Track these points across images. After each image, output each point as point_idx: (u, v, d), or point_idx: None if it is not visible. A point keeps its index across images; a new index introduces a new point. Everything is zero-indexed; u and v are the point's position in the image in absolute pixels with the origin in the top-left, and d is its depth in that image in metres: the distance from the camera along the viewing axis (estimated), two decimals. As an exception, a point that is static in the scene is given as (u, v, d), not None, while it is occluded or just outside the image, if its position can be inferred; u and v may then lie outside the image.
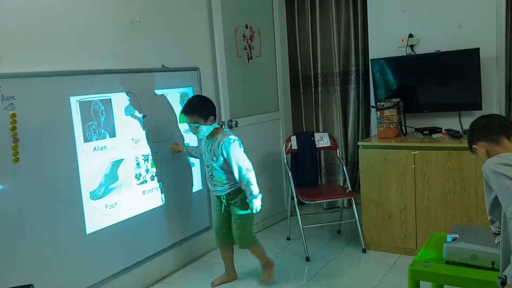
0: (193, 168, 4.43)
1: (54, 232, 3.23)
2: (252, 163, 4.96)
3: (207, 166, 3.86)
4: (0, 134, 2.91)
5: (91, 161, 3.46)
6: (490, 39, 4.43)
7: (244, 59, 5.12)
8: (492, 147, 2.29)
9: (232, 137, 3.78)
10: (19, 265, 3.04)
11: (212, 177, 3.85)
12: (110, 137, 3.60)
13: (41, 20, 3.22)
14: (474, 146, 2.35)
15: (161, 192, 4.10)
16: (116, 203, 3.66)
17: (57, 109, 3.24)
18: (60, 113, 3.26)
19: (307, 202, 4.76)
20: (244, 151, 3.84)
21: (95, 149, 3.48)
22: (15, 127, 2.95)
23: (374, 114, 4.95)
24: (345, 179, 5.07)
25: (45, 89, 3.16)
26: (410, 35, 4.77)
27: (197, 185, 4.49)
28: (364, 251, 4.57)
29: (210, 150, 3.78)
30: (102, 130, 3.54)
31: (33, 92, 3.08)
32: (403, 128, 4.64)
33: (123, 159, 3.71)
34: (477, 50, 4.33)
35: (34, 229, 3.10)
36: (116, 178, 3.67)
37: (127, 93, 3.75)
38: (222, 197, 3.90)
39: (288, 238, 5.00)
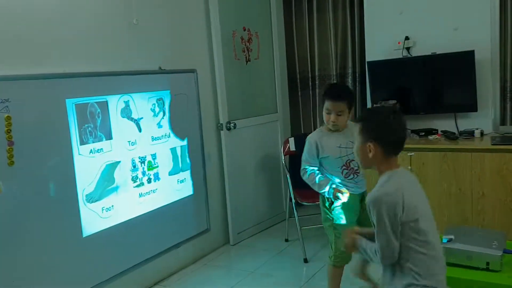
0: (190, 171, 4.44)
1: (50, 236, 3.23)
2: (250, 165, 5.01)
3: (348, 164, 3.37)
4: (-5, 137, 2.91)
5: (87, 163, 3.46)
6: (485, 42, 4.46)
7: (242, 61, 5.14)
8: (381, 156, 2.15)
9: None
10: (14, 269, 3.03)
11: (357, 172, 3.40)
12: (106, 139, 3.60)
13: (37, 21, 3.23)
14: (369, 144, 2.14)
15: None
16: (112, 206, 3.66)
17: (53, 111, 3.24)
18: (56, 115, 3.26)
19: (305, 203, 4.75)
20: None
21: (91, 151, 3.49)
22: (10, 130, 2.94)
23: (371, 116, 4.95)
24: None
25: (41, 91, 3.17)
26: (406, 38, 4.79)
27: (194, 188, 4.49)
28: (361, 252, 4.56)
29: (349, 142, 3.28)
30: (99, 133, 3.55)
31: (28, 95, 3.08)
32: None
33: (119, 162, 3.71)
34: (472, 52, 4.36)
35: (30, 232, 3.10)
36: (113, 180, 3.67)
37: (123, 95, 3.76)
38: (360, 196, 3.43)
39: (287, 240, 5.00)
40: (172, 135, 4.21)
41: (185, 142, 4.36)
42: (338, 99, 3.28)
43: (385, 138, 2.14)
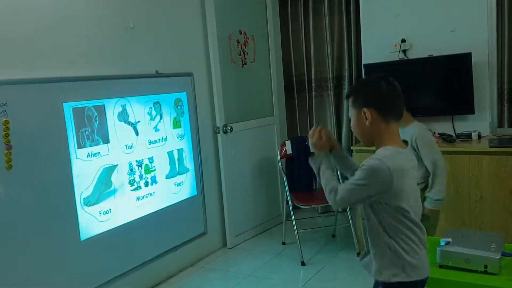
0: (187, 173, 4.43)
1: (48, 239, 3.22)
2: (247, 168, 5.00)
3: None
4: (-7, 141, 2.91)
5: (85, 167, 3.46)
6: (482, 44, 4.46)
7: (238, 64, 5.14)
8: (379, 123, 2.02)
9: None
10: (12, 273, 3.02)
11: None
12: (103, 143, 3.60)
13: (35, 26, 3.23)
14: (364, 109, 2.02)
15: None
16: (110, 209, 3.65)
17: (50, 115, 3.24)
18: (53, 119, 3.25)
19: (302, 206, 4.76)
20: None
21: (88, 155, 3.48)
22: (8, 134, 2.94)
23: (368, 119, 4.96)
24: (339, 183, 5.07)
25: (39, 95, 3.17)
26: (403, 40, 4.80)
27: (191, 191, 4.49)
28: (358, 255, 4.57)
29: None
30: (96, 136, 3.54)
31: (26, 99, 3.08)
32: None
33: (116, 165, 3.71)
34: (469, 54, 4.37)
35: (28, 236, 3.10)
36: (110, 184, 3.66)
37: (120, 99, 3.76)
38: None
39: (284, 243, 5.00)
40: (168, 138, 4.21)
41: (182, 145, 4.36)
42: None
43: (379, 102, 2.03)
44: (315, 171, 2.23)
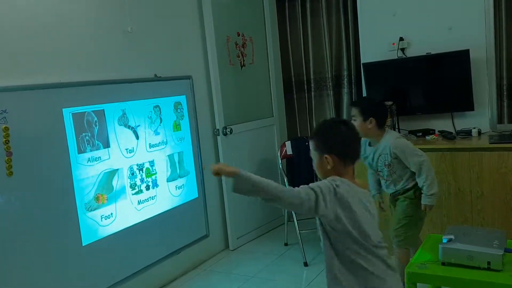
0: (188, 176, 4.43)
1: (50, 245, 3.22)
2: (247, 170, 4.98)
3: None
4: (-7, 148, 2.91)
5: (86, 172, 3.46)
6: (479, 40, 4.46)
7: (237, 66, 5.14)
8: (339, 167, 2.16)
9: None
10: (15, 279, 3.03)
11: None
12: (104, 147, 3.60)
13: (33, 32, 3.23)
14: (326, 155, 2.16)
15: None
16: (111, 213, 3.65)
17: (50, 121, 3.24)
18: (53, 125, 3.25)
19: (303, 207, 4.74)
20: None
21: (89, 160, 3.48)
22: (8, 141, 2.94)
23: (367, 118, 4.96)
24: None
25: (38, 101, 3.17)
26: (401, 38, 4.79)
27: (192, 193, 4.49)
28: (361, 254, 4.56)
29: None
30: (96, 141, 3.54)
31: (25, 105, 3.08)
32: (397, 130, 4.65)
33: (117, 170, 3.71)
34: (467, 51, 4.36)
35: (30, 242, 3.10)
36: (111, 188, 3.66)
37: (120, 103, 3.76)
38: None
39: (286, 244, 5.00)
40: (169, 141, 4.21)
41: (182, 148, 4.36)
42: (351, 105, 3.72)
43: (339, 149, 2.17)
44: (249, 189, 2.24)
